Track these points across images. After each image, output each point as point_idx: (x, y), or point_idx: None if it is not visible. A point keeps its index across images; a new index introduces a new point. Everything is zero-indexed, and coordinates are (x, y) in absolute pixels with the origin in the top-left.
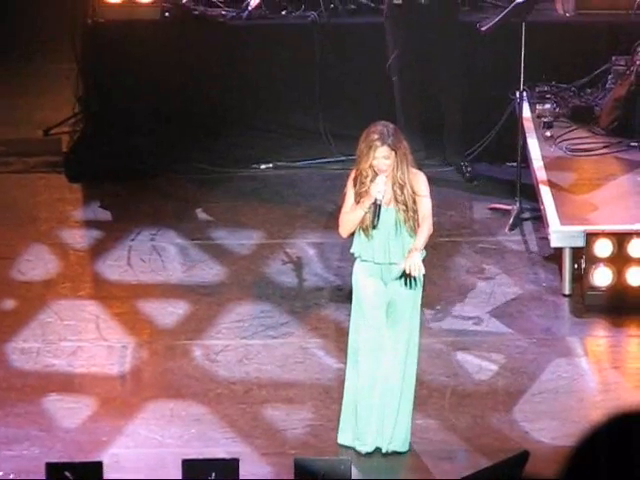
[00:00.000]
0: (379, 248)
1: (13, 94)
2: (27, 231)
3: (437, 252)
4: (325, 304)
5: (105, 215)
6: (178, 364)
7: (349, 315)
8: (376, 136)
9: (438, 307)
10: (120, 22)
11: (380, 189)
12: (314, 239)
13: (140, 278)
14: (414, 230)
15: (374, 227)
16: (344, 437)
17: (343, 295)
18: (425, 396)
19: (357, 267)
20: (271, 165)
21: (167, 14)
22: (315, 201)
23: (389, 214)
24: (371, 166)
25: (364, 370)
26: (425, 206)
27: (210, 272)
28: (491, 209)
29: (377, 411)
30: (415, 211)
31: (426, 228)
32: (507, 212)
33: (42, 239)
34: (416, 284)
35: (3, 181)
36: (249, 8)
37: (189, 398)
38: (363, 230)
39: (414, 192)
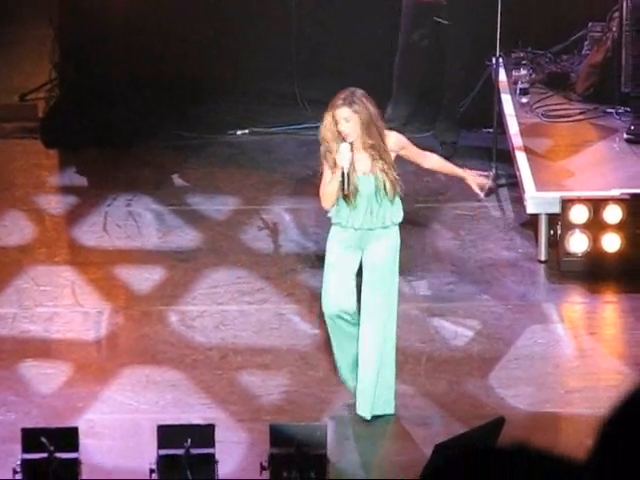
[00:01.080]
0: (360, 215)
1: None
2: (3, 197)
3: (413, 217)
4: (301, 270)
5: (81, 181)
6: (154, 330)
7: None
8: (338, 100)
9: (414, 273)
10: None
11: (344, 157)
12: (290, 205)
13: (116, 244)
14: (391, 190)
15: (345, 196)
16: None
17: (319, 261)
18: (401, 362)
19: (332, 232)
20: (247, 131)
21: None
22: (291, 167)
23: (368, 181)
24: (337, 132)
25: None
26: (417, 149)
27: (186, 238)
28: None
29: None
30: (396, 175)
31: (441, 159)
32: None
33: (18, 205)
34: (394, 249)
35: None
36: None
37: (165, 364)
38: (344, 197)
39: (398, 149)
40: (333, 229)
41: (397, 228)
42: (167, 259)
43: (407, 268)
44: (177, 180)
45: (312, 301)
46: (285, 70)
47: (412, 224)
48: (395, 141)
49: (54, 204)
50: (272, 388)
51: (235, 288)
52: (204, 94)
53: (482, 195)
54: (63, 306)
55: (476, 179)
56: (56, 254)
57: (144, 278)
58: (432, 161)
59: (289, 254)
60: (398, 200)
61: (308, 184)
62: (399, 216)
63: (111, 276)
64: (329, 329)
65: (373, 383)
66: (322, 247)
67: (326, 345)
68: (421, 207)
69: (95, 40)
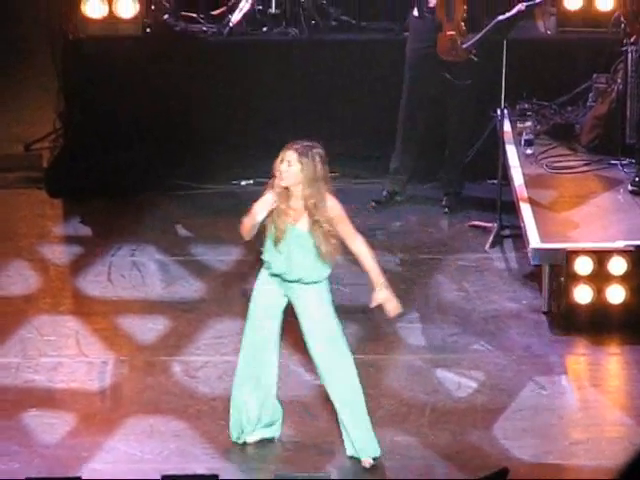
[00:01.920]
0: (282, 261)
1: None
2: (7, 246)
3: (417, 269)
4: None
5: (85, 231)
6: (158, 380)
7: None
8: (294, 144)
9: (417, 324)
10: (101, 38)
11: (262, 208)
12: None
13: (120, 294)
14: (328, 255)
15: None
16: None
17: None
18: (404, 413)
19: (261, 272)
20: (251, 181)
21: (148, 30)
22: None
23: (296, 232)
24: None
25: (240, 370)
26: (349, 228)
27: (190, 288)
28: (471, 226)
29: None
30: (329, 235)
31: (366, 249)
32: (487, 229)
33: (22, 254)
34: (322, 298)
35: None
36: (230, 24)
37: (169, 414)
38: (271, 239)
39: (331, 217)
40: (262, 270)
41: (323, 283)
42: (171, 309)
43: (410, 319)
44: (181, 230)
45: None
46: (289, 121)
47: (415, 275)
48: (331, 208)
49: (58, 254)
50: (276, 439)
51: (239, 338)
52: (209, 144)
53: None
54: (67, 356)
55: (386, 299)
56: (60, 304)
57: (148, 328)
58: (357, 247)
59: (291, 304)
60: (327, 263)
61: None
62: (321, 276)
63: (115, 326)
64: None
65: (364, 423)
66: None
67: (329, 396)
68: (425, 258)
69: (99, 89)
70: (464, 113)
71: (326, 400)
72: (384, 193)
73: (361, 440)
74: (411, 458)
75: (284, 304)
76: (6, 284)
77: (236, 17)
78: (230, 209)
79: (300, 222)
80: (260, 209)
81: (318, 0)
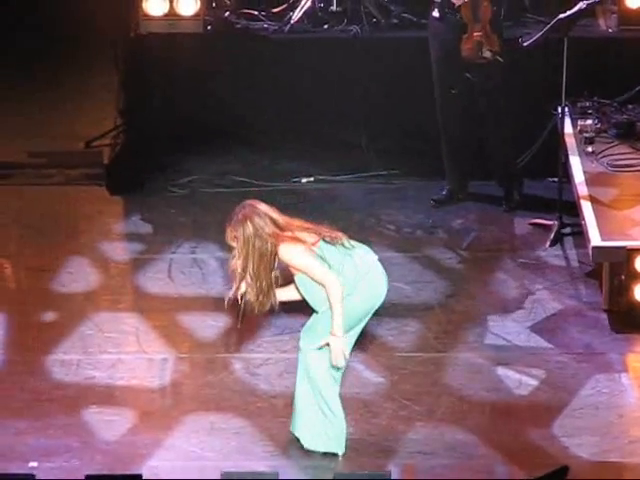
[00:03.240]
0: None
1: (54, 106)
2: (68, 244)
3: (478, 267)
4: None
5: (146, 228)
6: (218, 377)
7: (389, 330)
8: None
9: (478, 322)
10: (163, 35)
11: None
12: None
13: (180, 291)
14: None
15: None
16: None
17: (383, 310)
18: (465, 411)
19: None
20: (312, 179)
21: (210, 27)
22: (356, 215)
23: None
24: None
25: None
26: (314, 274)
27: None
28: (532, 224)
29: None
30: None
31: (332, 302)
32: (548, 227)
33: (83, 252)
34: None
35: (44, 194)
36: (291, 22)
37: (229, 411)
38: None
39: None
40: None
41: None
42: (231, 306)
43: (472, 317)
44: None
45: (377, 350)
46: (352, 118)
47: (476, 273)
48: (288, 260)
49: (119, 251)
50: None
51: (299, 335)
52: (269, 141)
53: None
54: (127, 353)
55: (332, 348)
56: (121, 301)
57: (208, 325)
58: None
59: None
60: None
61: (373, 232)
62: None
63: (175, 323)
64: None
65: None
66: (388, 295)
67: (390, 393)
68: (485, 256)
69: (160, 87)
70: (498, 113)
71: (387, 398)
72: (444, 192)
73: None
74: (471, 456)
75: None
76: (67, 281)
77: (297, 14)
78: (290, 207)
79: None
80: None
81: None
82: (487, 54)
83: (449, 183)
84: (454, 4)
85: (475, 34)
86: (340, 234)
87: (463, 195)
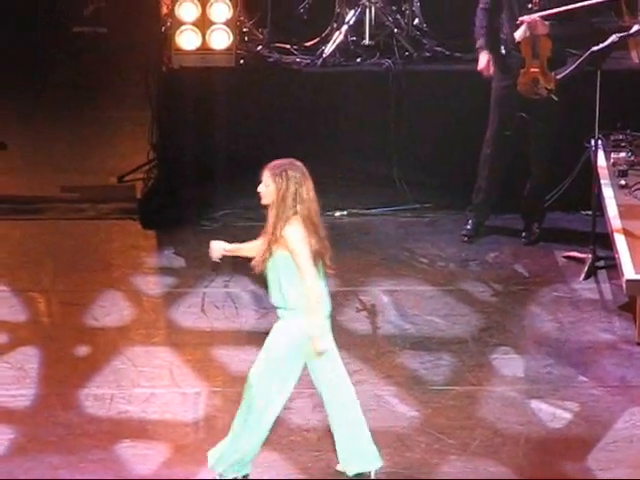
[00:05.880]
0: (271, 289)
1: (87, 141)
2: (101, 277)
3: (511, 300)
4: (399, 352)
5: (179, 262)
6: None
7: (423, 363)
8: (273, 162)
9: (512, 355)
10: (195, 69)
11: (215, 252)
12: (388, 286)
13: (214, 325)
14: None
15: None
16: None
17: (418, 343)
18: (499, 444)
19: None
20: (345, 212)
21: (242, 61)
22: (389, 248)
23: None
24: None
25: None
26: (303, 262)
27: None
28: (566, 257)
29: None
30: (267, 257)
31: (311, 301)
32: (582, 260)
33: (116, 285)
34: (287, 341)
35: (77, 228)
36: (324, 55)
37: (263, 445)
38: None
39: (288, 247)
40: None
41: (300, 317)
42: (264, 340)
43: (505, 350)
44: None
45: (411, 383)
46: (384, 151)
47: (510, 306)
48: (289, 238)
49: (152, 285)
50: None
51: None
52: None
53: None
54: (161, 387)
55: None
56: (154, 335)
57: (241, 359)
58: (305, 286)
59: (387, 335)
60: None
61: (406, 266)
62: (300, 302)
63: (209, 357)
64: None
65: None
66: (421, 329)
67: (423, 426)
68: (519, 289)
69: (192, 121)
70: (545, 152)
71: (420, 431)
72: (469, 226)
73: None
74: None
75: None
76: (100, 315)
77: (330, 48)
78: None
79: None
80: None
81: (412, 31)
82: (542, 91)
83: (476, 216)
84: (516, 40)
85: (532, 70)
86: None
87: (484, 228)
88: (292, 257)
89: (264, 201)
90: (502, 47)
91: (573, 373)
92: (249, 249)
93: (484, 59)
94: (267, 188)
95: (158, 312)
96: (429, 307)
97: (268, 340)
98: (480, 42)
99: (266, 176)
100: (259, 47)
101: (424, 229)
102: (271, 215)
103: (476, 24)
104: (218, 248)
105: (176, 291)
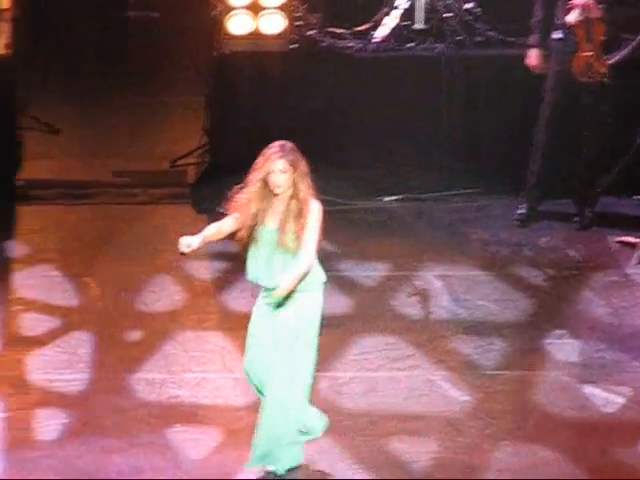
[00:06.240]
0: (262, 270)
1: (139, 126)
2: (152, 262)
3: (564, 285)
4: (451, 337)
5: (231, 247)
6: None
7: (475, 348)
8: (275, 149)
9: (565, 340)
10: (247, 54)
11: (185, 247)
12: (440, 271)
13: None
14: (297, 253)
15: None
16: None
17: (470, 328)
18: (551, 429)
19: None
20: (398, 197)
21: (294, 46)
22: (441, 233)
23: (271, 235)
24: (263, 179)
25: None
26: (310, 235)
27: (336, 304)
28: (618, 242)
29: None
30: (301, 235)
31: (304, 262)
32: (634, 245)
33: (167, 270)
34: (305, 319)
35: (129, 213)
36: (376, 40)
37: None
38: (246, 248)
39: (308, 217)
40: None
41: (306, 296)
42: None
43: (558, 335)
44: (326, 246)
45: (463, 368)
46: (436, 137)
47: (563, 291)
48: (313, 209)
49: (203, 270)
50: (421, 454)
51: (385, 354)
52: (354, 159)
53: None
54: (212, 372)
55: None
56: (205, 320)
57: None
58: (297, 260)
59: (439, 320)
60: (313, 265)
61: (458, 250)
62: (312, 282)
63: None
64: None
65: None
66: (473, 314)
67: (476, 411)
68: (572, 274)
69: (244, 105)
70: (598, 137)
71: (472, 416)
72: (522, 210)
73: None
74: (557, 474)
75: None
76: (151, 300)
77: (382, 33)
78: (376, 225)
79: (274, 222)
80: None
81: (464, 16)
82: (595, 75)
83: (528, 201)
84: (570, 24)
85: (585, 54)
86: None
87: (536, 213)
88: (304, 227)
89: (280, 190)
90: (558, 31)
91: (626, 358)
92: (215, 234)
93: (534, 56)
94: (285, 175)
95: (209, 297)
96: (481, 292)
97: (287, 329)
98: (533, 38)
99: (281, 164)
100: (311, 32)
101: (476, 214)
102: (301, 188)
103: (533, 16)
104: (185, 244)
105: (227, 276)
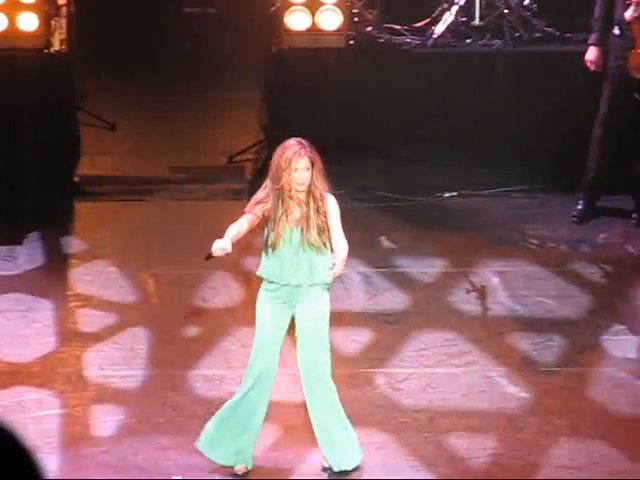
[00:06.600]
0: (287, 269)
1: (197, 122)
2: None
3: (622, 281)
4: (509, 333)
5: None
6: (361, 392)
7: (533, 345)
8: (297, 147)
9: (622, 336)
10: (304, 50)
11: (221, 251)
12: (498, 267)
13: None
14: (323, 247)
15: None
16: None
17: (527, 324)
18: (609, 425)
19: (261, 293)
20: (455, 193)
21: (352, 42)
22: (499, 229)
23: (296, 233)
24: (288, 181)
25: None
26: (338, 227)
27: (393, 300)
28: None
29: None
30: (326, 229)
31: (345, 247)
32: None
33: (225, 266)
34: (324, 313)
35: (186, 209)
36: (434, 36)
37: (372, 426)
38: (267, 249)
39: (328, 210)
40: (262, 289)
41: (326, 291)
42: (375, 321)
43: (615, 330)
44: (384, 242)
45: (521, 364)
46: (494, 133)
47: (618, 285)
48: (330, 202)
49: None
50: (480, 451)
51: (443, 351)
52: (412, 155)
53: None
54: None
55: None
56: None
57: (351, 340)
58: (336, 247)
59: (497, 317)
60: (328, 259)
61: (516, 246)
62: (325, 275)
63: None
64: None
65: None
66: (531, 310)
67: (534, 408)
68: (630, 270)
69: (302, 101)
70: None
71: (531, 413)
72: (580, 207)
73: (341, 451)
74: (613, 472)
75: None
76: (209, 296)
77: (440, 29)
78: (434, 221)
79: (298, 222)
80: (217, 250)
81: (522, 12)
82: None
83: (586, 197)
84: (626, 20)
85: None
86: None
87: (595, 209)
88: (329, 220)
89: (304, 187)
90: (616, 28)
91: None
92: (237, 234)
93: (593, 54)
94: (308, 172)
95: None
96: (539, 288)
97: (312, 326)
98: (593, 37)
99: (306, 161)
100: (369, 28)
101: (534, 210)
102: (317, 185)
103: (593, 14)
104: (221, 248)
105: None
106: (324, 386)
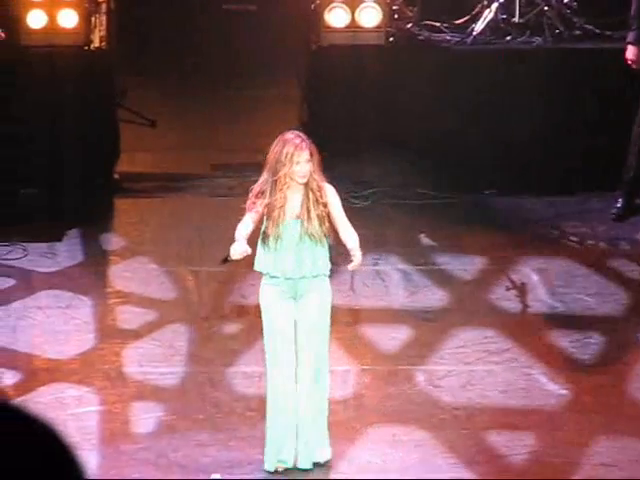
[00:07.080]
0: (290, 262)
1: (235, 119)
2: (249, 255)
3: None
4: (548, 330)
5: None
6: (400, 389)
7: (572, 342)
8: (297, 139)
9: None
10: (344, 47)
11: (240, 254)
12: (538, 265)
13: (363, 303)
14: (324, 238)
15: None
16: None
17: (568, 321)
18: None
19: (265, 287)
20: (495, 191)
21: (392, 39)
22: (538, 227)
23: (296, 226)
24: (288, 174)
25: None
26: (343, 214)
27: (433, 297)
28: None
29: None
30: (326, 220)
31: (356, 237)
32: None
33: None
34: (326, 304)
35: (225, 205)
36: (474, 33)
37: (411, 423)
38: (268, 243)
39: (328, 201)
40: (264, 284)
41: (327, 281)
42: (414, 318)
43: None
44: (424, 239)
45: (560, 361)
46: (534, 130)
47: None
48: (329, 192)
49: None
50: (519, 448)
51: (482, 348)
52: (452, 153)
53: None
54: None
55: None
56: None
57: (391, 337)
58: (348, 235)
59: (537, 314)
60: (326, 250)
61: (556, 244)
62: (327, 267)
63: (358, 335)
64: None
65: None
66: (571, 308)
67: (573, 405)
68: None
69: (342, 98)
70: None
71: (571, 410)
72: (619, 204)
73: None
74: None
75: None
76: (249, 293)
77: (480, 26)
78: (473, 218)
79: (299, 214)
80: (235, 254)
81: (563, 9)
82: None
83: (626, 195)
84: None
85: None
86: None
87: (634, 207)
88: (331, 209)
89: (305, 179)
90: None
91: None
92: (248, 234)
93: (633, 53)
94: (309, 164)
95: None
96: (579, 285)
97: (315, 318)
98: (631, 35)
99: (307, 153)
100: (409, 25)
101: (574, 208)
102: (316, 177)
103: (632, 12)
104: (241, 251)
105: None
106: (319, 380)
